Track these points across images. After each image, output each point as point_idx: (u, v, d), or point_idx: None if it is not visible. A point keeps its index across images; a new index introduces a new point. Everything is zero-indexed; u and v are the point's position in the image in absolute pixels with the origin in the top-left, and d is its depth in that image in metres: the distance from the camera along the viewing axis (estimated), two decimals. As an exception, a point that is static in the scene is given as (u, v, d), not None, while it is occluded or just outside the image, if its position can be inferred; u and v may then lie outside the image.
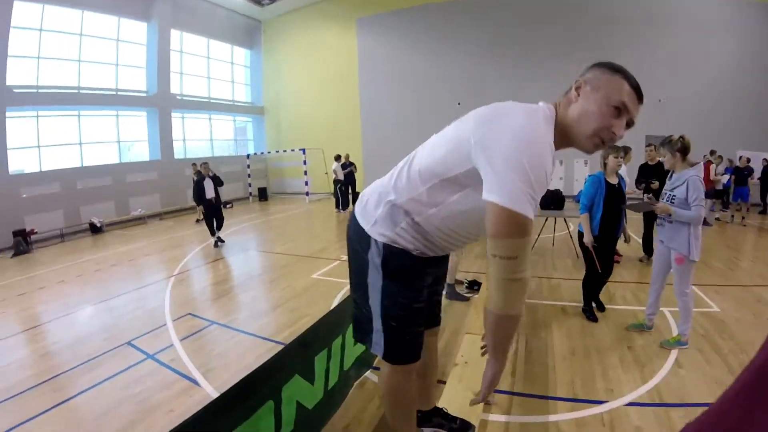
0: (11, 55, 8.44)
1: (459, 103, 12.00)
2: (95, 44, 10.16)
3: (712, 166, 7.76)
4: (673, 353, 2.93)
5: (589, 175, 3.73)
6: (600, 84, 1.04)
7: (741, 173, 7.59)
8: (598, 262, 3.54)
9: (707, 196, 7.70)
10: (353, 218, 1.38)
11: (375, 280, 1.32)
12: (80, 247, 7.91)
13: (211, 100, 13.91)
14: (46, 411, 2.61)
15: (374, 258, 1.30)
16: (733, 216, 7.76)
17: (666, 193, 2.92)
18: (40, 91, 9.03)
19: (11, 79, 8.48)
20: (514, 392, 2.57)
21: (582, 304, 3.74)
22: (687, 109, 9.75)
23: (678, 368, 2.74)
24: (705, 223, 7.43)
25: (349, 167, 10.92)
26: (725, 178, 7.71)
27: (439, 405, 1.75)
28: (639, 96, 1.04)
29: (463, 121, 1.14)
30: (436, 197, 1.15)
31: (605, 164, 3.53)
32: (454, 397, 1.80)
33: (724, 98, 9.49)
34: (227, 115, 15.07)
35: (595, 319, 3.58)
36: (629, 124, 1.05)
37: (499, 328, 1.07)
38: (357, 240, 1.35)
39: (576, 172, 11.18)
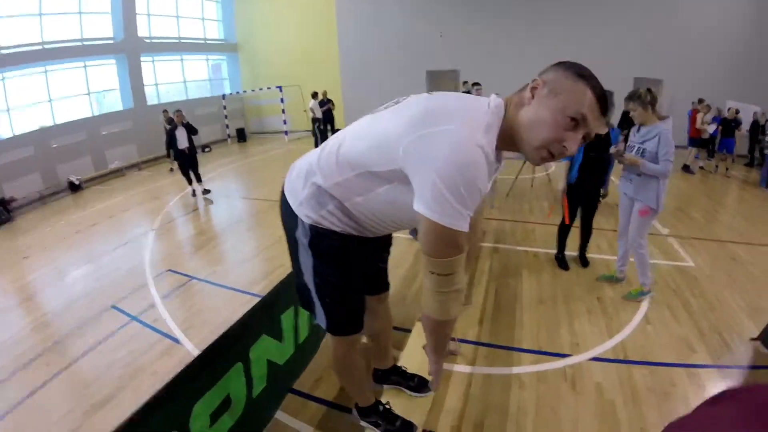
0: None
1: (441, 35, 11.32)
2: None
3: (699, 115, 7.58)
4: (643, 308, 2.93)
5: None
6: (560, 89, 0.90)
7: (728, 124, 7.41)
8: (568, 211, 3.47)
9: (693, 144, 7.67)
10: (282, 192, 1.30)
11: (305, 259, 1.28)
12: (61, 209, 7.67)
13: (182, 40, 12.93)
14: (38, 389, 2.59)
15: (302, 238, 1.25)
16: (717, 166, 7.68)
17: (635, 146, 2.81)
18: (2, 52, 8.32)
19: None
20: (479, 342, 2.63)
21: (555, 251, 3.73)
22: (677, 55, 9.34)
23: (646, 324, 2.75)
24: (688, 170, 7.45)
25: (326, 104, 10.42)
26: (712, 128, 7.52)
27: (399, 363, 1.81)
28: (603, 108, 0.91)
29: (395, 113, 1.03)
30: (363, 185, 1.09)
31: None
32: (414, 354, 1.85)
33: (716, 46, 9.08)
34: (200, 55, 14.13)
35: (566, 267, 3.61)
36: (585, 138, 0.93)
37: (436, 330, 1.12)
38: (286, 216, 1.29)
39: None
